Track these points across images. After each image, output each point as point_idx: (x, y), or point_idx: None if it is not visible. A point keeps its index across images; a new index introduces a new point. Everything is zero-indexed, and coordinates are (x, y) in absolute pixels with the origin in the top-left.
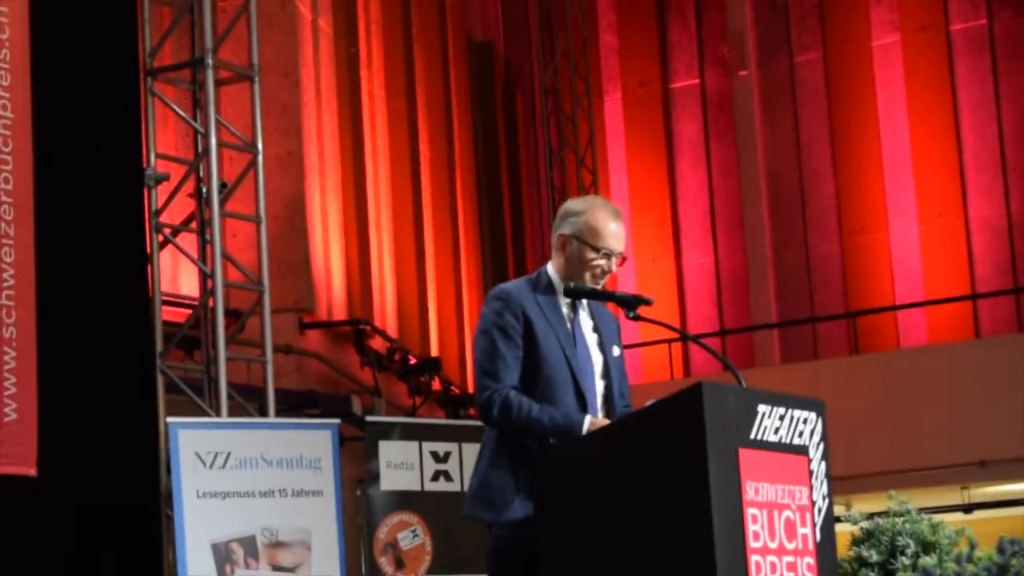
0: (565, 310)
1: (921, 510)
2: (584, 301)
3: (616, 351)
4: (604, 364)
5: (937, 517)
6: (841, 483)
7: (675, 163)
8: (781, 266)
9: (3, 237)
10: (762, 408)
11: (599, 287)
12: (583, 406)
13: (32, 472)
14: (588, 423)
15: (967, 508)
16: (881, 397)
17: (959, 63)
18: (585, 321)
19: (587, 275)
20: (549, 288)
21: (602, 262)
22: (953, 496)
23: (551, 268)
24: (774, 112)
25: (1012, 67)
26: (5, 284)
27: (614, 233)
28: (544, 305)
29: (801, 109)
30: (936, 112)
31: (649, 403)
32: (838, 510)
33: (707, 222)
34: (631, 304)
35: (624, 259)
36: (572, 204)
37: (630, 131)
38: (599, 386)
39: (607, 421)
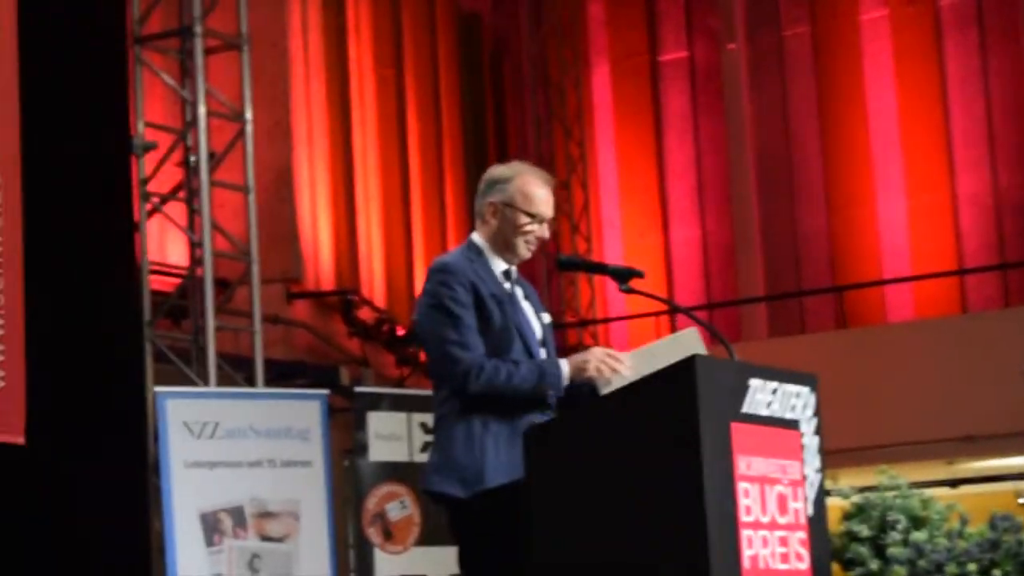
0: (500, 279)
1: (908, 485)
2: (513, 270)
3: (546, 318)
4: (542, 332)
5: (928, 492)
6: (827, 457)
7: (663, 136)
8: (768, 240)
9: None
10: (754, 382)
11: (529, 255)
12: None
13: (20, 440)
14: (567, 366)
15: (953, 483)
16: (867, 372)
17: (947, 38)
18: (518, 290)
19: (520, 241)
20: (482, 259)
21: (535, 227)
22: (939, 471)
23: (479, 239)
24: (762, 86)
25: (1000, 41)
26: None
27: (544, 198)
28: (484, 275)
29: (789, 83)
30: (924, 87)
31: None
32: (825, 484)
33: (695, 195)
34: (624, 276)
35: (553, 225)
36: (498, 171)
37: (618, 103)
38: (542, 353)
39: (584, 355)
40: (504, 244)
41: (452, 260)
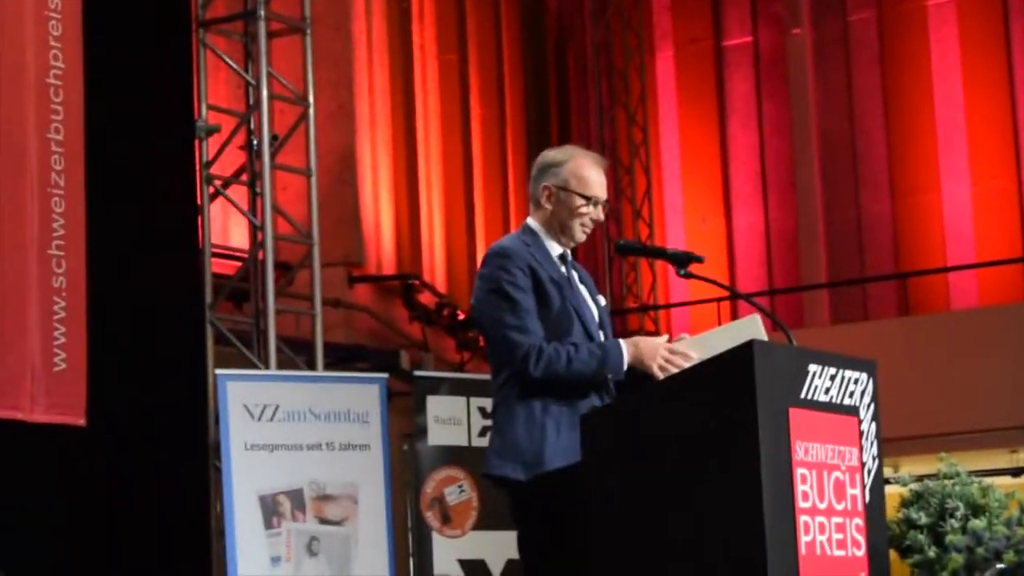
0: (557, 263)
1: (970, 473)
2: (569, 254)
3: (602, 301)
4: (598, 315)
5: (987, 480)
6: (889, 444)
7: (726, 121)
8: (832, 226)
9: (53, 187)
10: (813, 368)
11: (584, 238)
12: None
13: (81, 422)
14: (627, 349)
15: (1016, 472)
16: (930, 359)
17: (1015, 23)
18: (573, 273)
19: (576, 224)
20: (539, 243)
21: (591, 210)
22: (1002, 459)
23: (534, 223)
24: (827, 71)
25: None
26: (55, 234)
27: (599, 181)
28: (541, 259)
29: (854, 69)
30: (990, 73)
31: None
32: (886, 472)
33: (758, 181)
34: (682, 261)
35: (607, 206)
36: (551, 155)
37: (681, 88)
38: (600, 336)
39: (643, 337)
40: (560, 228)
41: (509, 244)
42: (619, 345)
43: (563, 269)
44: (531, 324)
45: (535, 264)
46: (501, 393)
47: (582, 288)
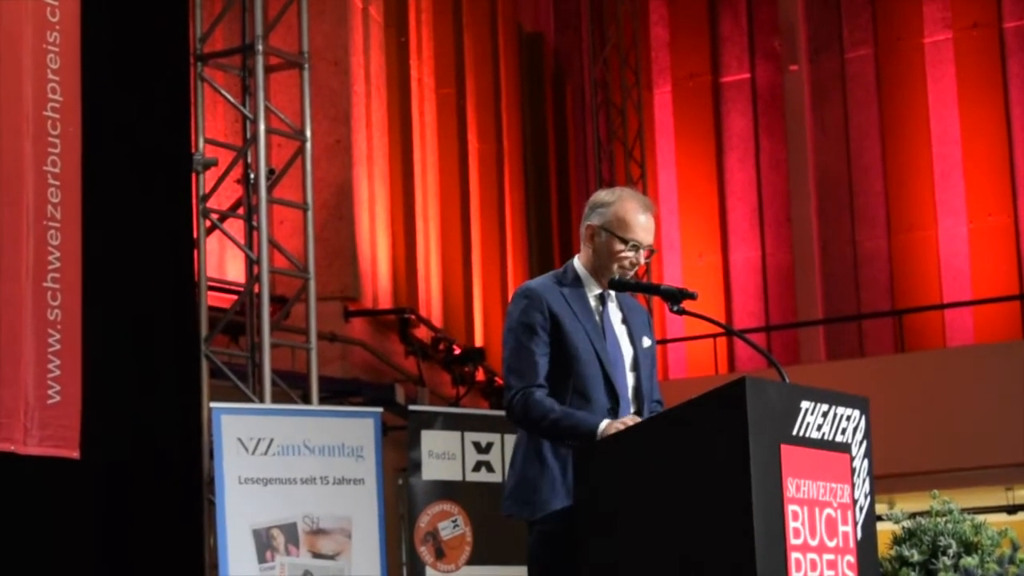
0: (593, 303)
1: (964, 510)
2: (613, 293)
3: (647, 342)
4: (634, 356)
5: (980, 517)
6: (884, 482)
7: (724, 157)
8: (828, 263)
9: (50, 220)
10: (805, 404)
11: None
12: (614, 400)
13: (75, 455)
14: (604, 427)
15: (1011, 509)
16: (926, 396)
17: (1011, 61)
18: (614, 313)
19: (615, 267)
20: (576, 282)
21: (630, 254)
22: (997, 497)
23: (578, 261)
24: (824, 108)
25: None
26: (51, 267)
27: (643, 225)
28: (571, 299)
29: (852, 105)
30: (987, 110)
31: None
32: (881, 508)
33: (755, 217)
34: (675, 298)
35: (652, 252)
36: (601, 195)
37: (679, 124)
38: (629, 379)
39: (623, 423)
40: (599, 268)
41: (535, 284)
42: (597, 427)
43: (601, 310)
44: (528, 368)
45: (557, 305)
46: (518, 431)
47: (620, 329)
